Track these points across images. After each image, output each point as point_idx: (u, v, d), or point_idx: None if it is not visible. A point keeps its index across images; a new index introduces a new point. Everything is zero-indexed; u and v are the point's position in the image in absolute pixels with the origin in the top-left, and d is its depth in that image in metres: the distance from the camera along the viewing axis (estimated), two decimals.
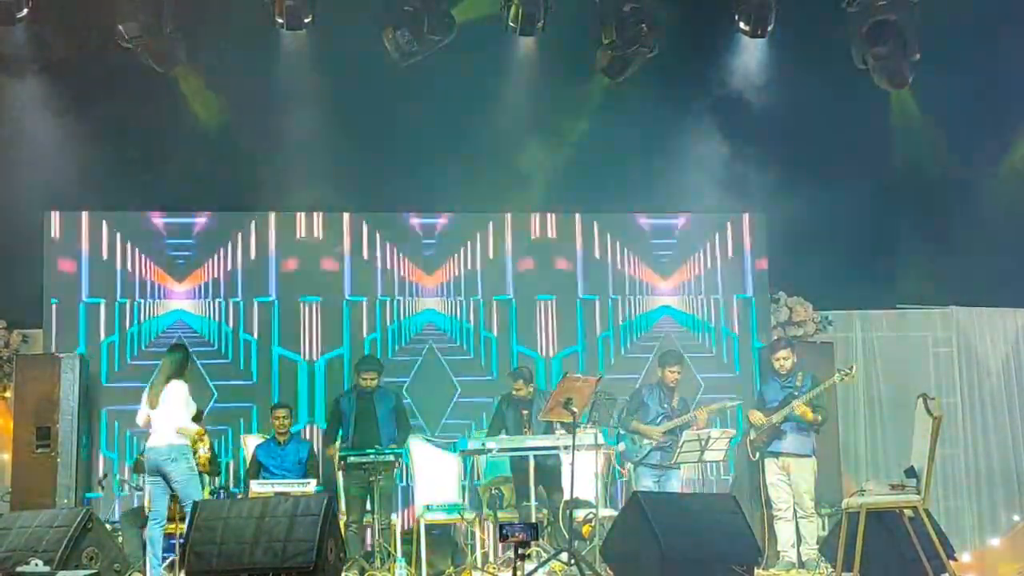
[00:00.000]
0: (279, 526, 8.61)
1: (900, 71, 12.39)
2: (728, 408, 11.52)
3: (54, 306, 12.44)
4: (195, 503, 9.25)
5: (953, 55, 12.25)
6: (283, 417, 11.50)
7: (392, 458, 10.76)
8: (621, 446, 11.40)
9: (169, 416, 9.85)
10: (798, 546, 10.98)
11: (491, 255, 13.05)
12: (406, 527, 11.51)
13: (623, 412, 11.39)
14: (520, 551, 8.35)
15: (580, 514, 10.55)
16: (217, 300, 12.67)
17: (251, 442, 11.77)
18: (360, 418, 11.30)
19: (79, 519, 9.46)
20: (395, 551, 10.53)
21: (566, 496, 10.33)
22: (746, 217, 13.32)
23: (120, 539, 10.58)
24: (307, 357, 12.66)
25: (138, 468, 10.95)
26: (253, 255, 12.76)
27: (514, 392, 11.38)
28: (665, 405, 11.29)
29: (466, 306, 12.96)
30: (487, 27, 12.34)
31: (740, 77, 12.95)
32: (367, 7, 12.13)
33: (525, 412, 11.25)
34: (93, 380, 12.26)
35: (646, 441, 11.17)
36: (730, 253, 13.28)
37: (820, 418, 11.05)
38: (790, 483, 11.02)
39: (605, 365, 12.82)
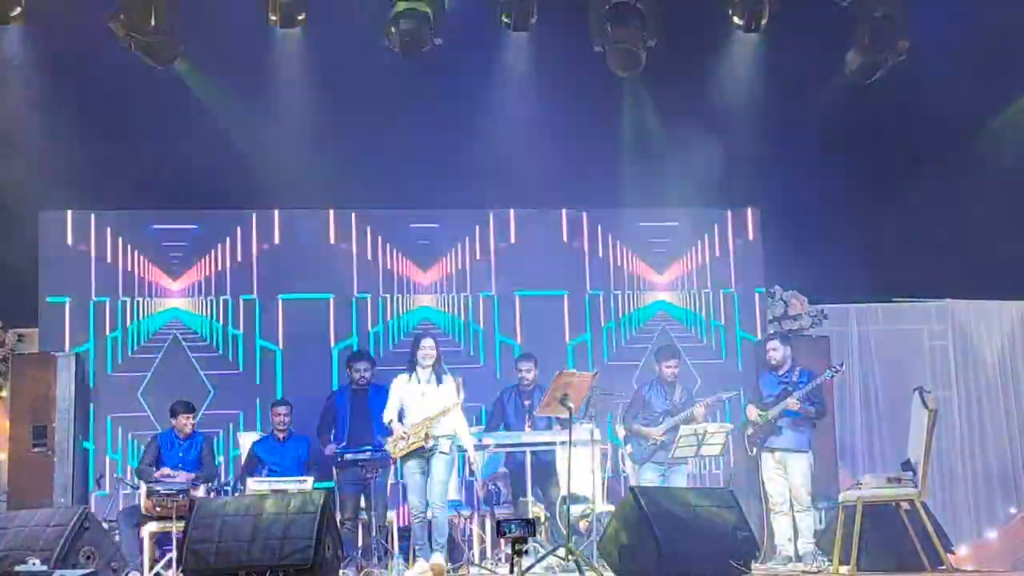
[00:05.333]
0: (276, 524, 8.61)
1: (883, 64, 12.43)
2: (725, 399, 11.51)
3: (49, 305, 12.44)
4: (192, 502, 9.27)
5: (946, 44, 12.26)
6: (283, 415, 11.49)
7: (387, 455, 10.74)
8: (629, 448, 11.40)
9: None
10: (795, 540, 10.98)
11: (487, 251, 13.05)
12: (403, 524, 11.51)
13: (626, 414, 11.40)
14: (517, 547, 8.35)
15: (577, 509, 10.55)
16: (212, 298, 12.68)
17: (246, 439, 11.77)
18: (354, 416, 11.30)
19: (76, 518, 9.45)
20: (392, 548, 10.53)
21: (563, 492, 10.34)
22: (740, 212, 13.31)
23: (117, 538, 10.57)
24: (303, 354, 12.68)
25: None
26: (248, 253, 12.76)
27: (523, 373, 11.37)
28: (668, 400, 11.29)
29: (461, 302, 12.96)
30: (481, 23, 12.33)
31: (734, 71, 12.95)
32: (362, 4, 12.13)
33: (527, 403, 11.27)
34: (89, 378, 12.24)
35: (650, 442, 11.19)
36: (726, 247, 13.28)
37: (813, 412, 11.03)
38: (786, 477, 11.03)
39: (601, 360, 12.82)
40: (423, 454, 9.91)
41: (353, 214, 12.91)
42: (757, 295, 13.24)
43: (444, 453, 9.92)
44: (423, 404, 10.00)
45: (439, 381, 10.09)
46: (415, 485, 9.97)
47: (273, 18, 11.88)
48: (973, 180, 12.94)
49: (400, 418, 10.09)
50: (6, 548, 9.27)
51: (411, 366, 10.19)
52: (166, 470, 10.91)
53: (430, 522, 9.88)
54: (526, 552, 9.07)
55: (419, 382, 10.11)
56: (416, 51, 11.80)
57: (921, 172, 12.97)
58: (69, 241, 12.57)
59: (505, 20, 12.20)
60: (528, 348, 12.31)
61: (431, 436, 9.84)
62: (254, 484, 10.66)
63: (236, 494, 10.78)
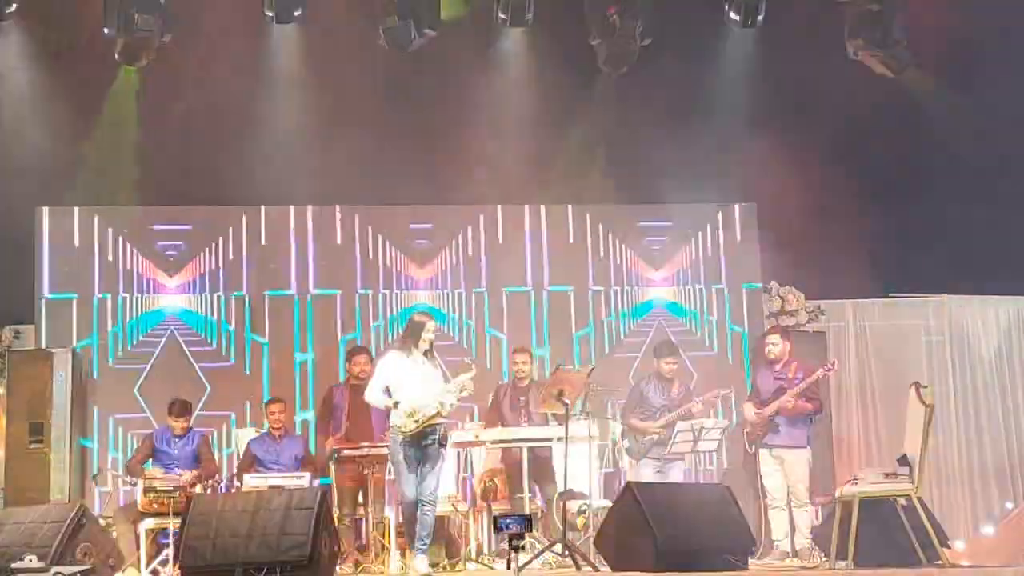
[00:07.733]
0: (273, 520, 8.59)
1: (893, 58, 12.41)
2: (722, 395, 11.51)
3: (46, 301, 12.44)
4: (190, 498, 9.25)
5: (946, 43, 12.27)
6: (278, 412, 11.47)
7: (386, 451, 10.72)
8: (625, 443, 11.40)
9: None
10: (792, 535, 10.98)
11: (483, 248, 13.05)
12: (400, 520, 11.50)
13: (624, 410, 11.40)
14: (514, 543, 8.35)
15: (574, 505, 10.55)
16: (209, 294, 12.67)
17: (244, 436, 11.76)
18: (353, 411, 11.28)
19: (73, 514, 9.44)
20: (389, 544, 10.53)
21: (559, 488, 10.34)
22: (737, 207, 13.32)
23: (114, 534, 10.56)
24: (300, 351, 12.68)
25: None
26: (245, 249, 12.76)
27: (518, 365, 11.35)
28: (665, 396, 11.29)
29: (458, 298, 12.96)
30: (478, 18, 12.34)
31: (731, 67, 12.96)
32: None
33: (522, 398, 11.26)
34: (86, 375, 12.24)
35: (647, 437, 11.19)
36: (722, 243, 13.28)
37: (810, 408, 11.03)
38: (784, 473, 11.02)
39: (598, 356, 12.83)
40: (420, 440, 9.39)
41: (350, 210, 12.90)
42: (754, 291, 13.24)
43: (442, 447, 9.50)
44: (421, 384, 9.41)
45: (431, 364, 9.57)
46: (407, 476, 9.44)
47: (269, 13, 11.87)
48: (971, 177, 12.94)
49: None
50: (3, 545, 9.26)
51: (406, 345, 9.57)
52: (154, 471, 10.83)
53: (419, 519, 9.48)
54: (523, 548, 9.07)
55: (416, 362, 9.50)
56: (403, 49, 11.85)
57: (919, 169, 12.98)
58: (66, 238, 12.56)
59: (502, 16, 12.19)
60: (524, 344, 12.31)
61: (443, 411, 9.34)
62: (251, 481, 10.66)
63: (233, 491, 10.79)
